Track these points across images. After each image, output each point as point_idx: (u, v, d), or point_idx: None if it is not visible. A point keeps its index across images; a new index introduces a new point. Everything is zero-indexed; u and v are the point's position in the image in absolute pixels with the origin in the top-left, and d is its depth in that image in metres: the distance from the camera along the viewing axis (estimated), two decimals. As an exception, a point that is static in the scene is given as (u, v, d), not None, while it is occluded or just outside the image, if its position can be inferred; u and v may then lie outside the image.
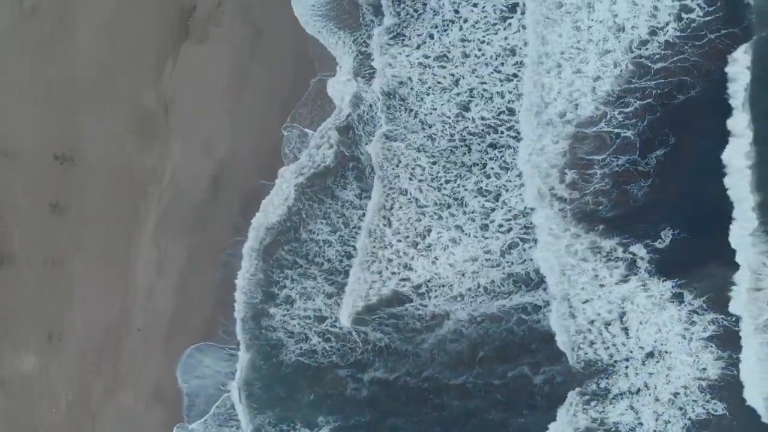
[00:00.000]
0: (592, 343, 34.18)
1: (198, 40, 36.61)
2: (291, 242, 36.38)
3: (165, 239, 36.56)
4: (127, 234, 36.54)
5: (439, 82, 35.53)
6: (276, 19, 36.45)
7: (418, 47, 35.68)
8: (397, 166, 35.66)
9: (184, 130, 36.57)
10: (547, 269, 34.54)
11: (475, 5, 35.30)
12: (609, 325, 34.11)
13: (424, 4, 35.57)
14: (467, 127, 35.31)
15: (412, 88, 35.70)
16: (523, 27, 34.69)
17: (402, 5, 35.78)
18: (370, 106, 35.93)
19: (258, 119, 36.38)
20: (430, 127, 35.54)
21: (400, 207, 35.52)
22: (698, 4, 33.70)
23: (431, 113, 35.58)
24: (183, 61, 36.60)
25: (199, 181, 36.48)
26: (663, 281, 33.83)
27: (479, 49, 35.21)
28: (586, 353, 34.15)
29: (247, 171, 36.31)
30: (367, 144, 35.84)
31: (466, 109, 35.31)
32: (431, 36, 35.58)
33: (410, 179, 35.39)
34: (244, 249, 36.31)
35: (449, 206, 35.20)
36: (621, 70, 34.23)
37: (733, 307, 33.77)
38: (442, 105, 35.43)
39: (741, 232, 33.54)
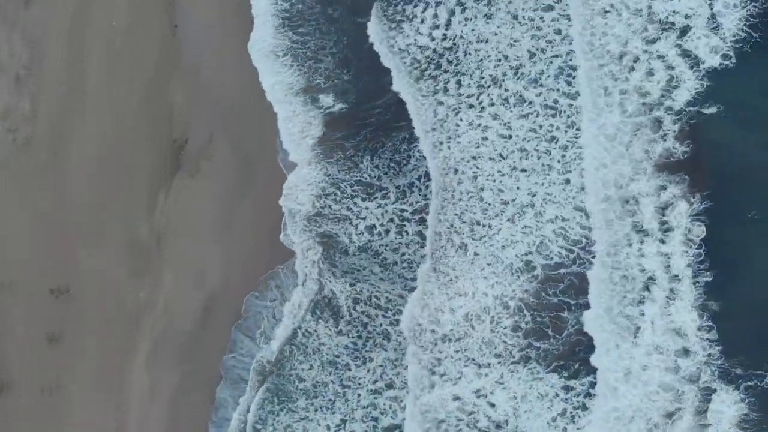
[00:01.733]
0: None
1: (190, 173, 37.44)
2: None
3: (157, 367, 37.46)
4: (121, 362, 37.50)
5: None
6: (266, 153, 37.10)
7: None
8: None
9: (176, 261, 37.46)
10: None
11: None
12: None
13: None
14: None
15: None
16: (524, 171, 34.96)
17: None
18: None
19: (248, 251, 37.07)
20: (412, 279, 36.32)
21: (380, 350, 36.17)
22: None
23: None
24: (175, 193, 37.44)
25: (190, 311, 37.33)
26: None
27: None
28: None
29: (238, 302, 36.95)
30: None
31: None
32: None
33: (391, 325, 36.03)
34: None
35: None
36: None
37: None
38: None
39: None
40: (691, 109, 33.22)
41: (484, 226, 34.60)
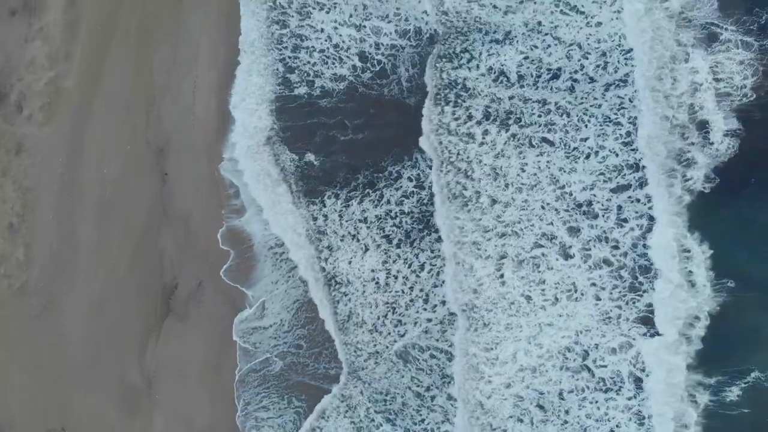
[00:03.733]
0: None
1: (180, 317, 38.35)
2: None
3: (150, 502, 38.90)
4: (115, 497, 39.04)
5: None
6: (254, 298, 38.53)
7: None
8: None
9: (166, 403, 38.46)
10: None
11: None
12: None
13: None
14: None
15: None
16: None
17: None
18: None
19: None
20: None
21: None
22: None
23: None
24: (165, 337, 38.41)
25: (181, 452, 38.80)
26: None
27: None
28: None
29: (227, 444, 38.58)
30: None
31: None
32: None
33: None
34: None
35: None
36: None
37: None
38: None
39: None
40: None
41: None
